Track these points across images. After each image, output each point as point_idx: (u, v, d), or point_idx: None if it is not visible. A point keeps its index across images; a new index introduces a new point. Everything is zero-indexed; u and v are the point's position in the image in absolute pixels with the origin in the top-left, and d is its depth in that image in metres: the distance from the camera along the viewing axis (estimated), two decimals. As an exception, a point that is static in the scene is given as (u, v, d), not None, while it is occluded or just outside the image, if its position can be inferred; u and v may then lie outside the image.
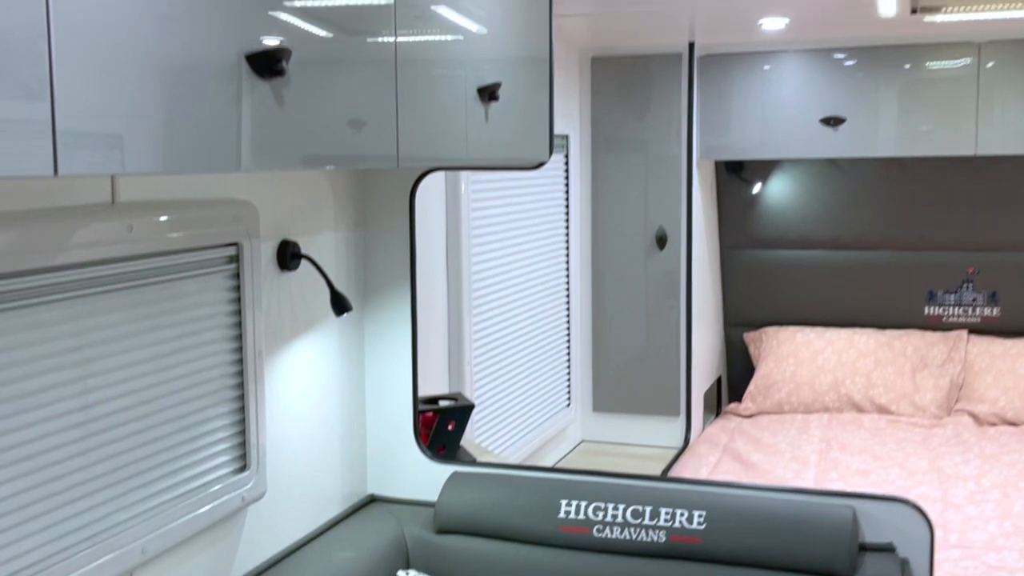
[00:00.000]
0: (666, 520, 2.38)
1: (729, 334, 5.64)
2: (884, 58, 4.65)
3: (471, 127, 2.12)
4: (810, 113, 4.72)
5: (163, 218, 1.91)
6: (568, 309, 4.79)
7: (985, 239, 5.17)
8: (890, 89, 4.68)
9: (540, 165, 2.50)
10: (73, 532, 1.73)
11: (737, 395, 5.44)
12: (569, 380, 4.83)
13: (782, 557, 2.30)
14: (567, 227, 4.75)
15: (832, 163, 5.32)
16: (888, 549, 2.35)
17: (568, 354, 4.81)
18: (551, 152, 2.49)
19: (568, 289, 4.78)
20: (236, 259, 2.12)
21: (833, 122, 4.66)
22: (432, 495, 2.64)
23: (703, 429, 5.04)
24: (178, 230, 1.94)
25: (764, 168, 5.45)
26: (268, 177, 2.26)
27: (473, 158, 2.19)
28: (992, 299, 5.19)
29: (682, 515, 2.38)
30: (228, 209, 2.09)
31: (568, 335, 4.80)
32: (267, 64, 1.37)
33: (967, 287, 5.22)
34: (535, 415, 4.39)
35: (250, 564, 2.25)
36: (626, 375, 5.02)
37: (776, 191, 5.47)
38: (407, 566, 2.50)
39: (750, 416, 5.11)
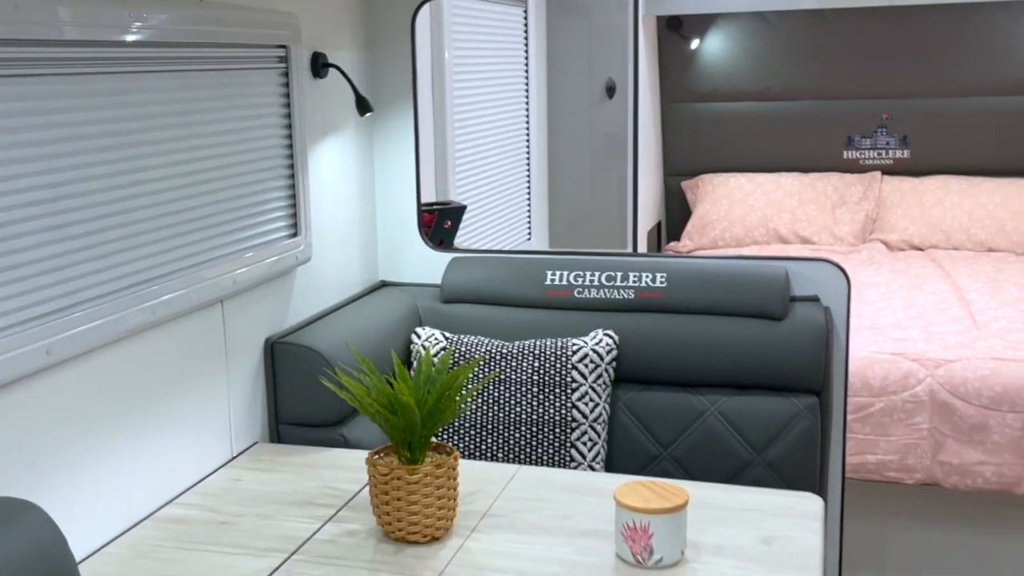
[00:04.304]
0: (634, 281, 2.90)
1: (667, 183, 6.17)
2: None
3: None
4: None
5: (237, 15, 2.35)
6: (528, 151, 5.27)
7: (898, 87, 5.73)
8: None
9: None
10: (183, 258, 2.19)
11: (675, 238, 5.99)
12: (529, 217, 5.33)
13: (729, 305, 2.83)
14: (526, 76, 5.21)
15: (761, 18, 5.82)
16: (813, 299, 2.90)
17: (528, 193, 5.30)
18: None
19: (528, 132, 5.25)
20: (285, 60, 2.57)
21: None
22: (436, 279, 3.12)
23: (648, 261, 5.58)
24: (248, 27, 2.38)
25: (701, 25, 5.93)
26: (302, -4, 2.70)
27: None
28: (903, 142, 5.77)
29: (647, 276, 2.90)
30: (278, 17, 2.53)
31: (528, 175, 5.28)
32: None
33: (881, 132, 5.79)
34: (499, 245, 4.89)
35: (299, 317, 2.74)
36: (579, 214, 5.53)
37: (711, 47, 5.97)
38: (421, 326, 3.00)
39: (688, 252, 5.67)
